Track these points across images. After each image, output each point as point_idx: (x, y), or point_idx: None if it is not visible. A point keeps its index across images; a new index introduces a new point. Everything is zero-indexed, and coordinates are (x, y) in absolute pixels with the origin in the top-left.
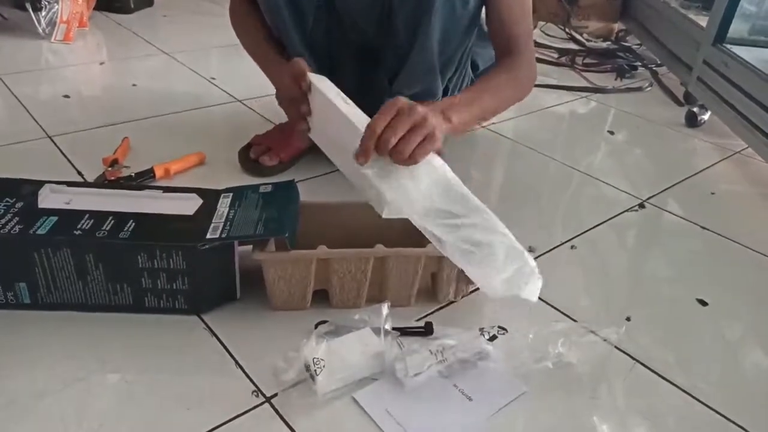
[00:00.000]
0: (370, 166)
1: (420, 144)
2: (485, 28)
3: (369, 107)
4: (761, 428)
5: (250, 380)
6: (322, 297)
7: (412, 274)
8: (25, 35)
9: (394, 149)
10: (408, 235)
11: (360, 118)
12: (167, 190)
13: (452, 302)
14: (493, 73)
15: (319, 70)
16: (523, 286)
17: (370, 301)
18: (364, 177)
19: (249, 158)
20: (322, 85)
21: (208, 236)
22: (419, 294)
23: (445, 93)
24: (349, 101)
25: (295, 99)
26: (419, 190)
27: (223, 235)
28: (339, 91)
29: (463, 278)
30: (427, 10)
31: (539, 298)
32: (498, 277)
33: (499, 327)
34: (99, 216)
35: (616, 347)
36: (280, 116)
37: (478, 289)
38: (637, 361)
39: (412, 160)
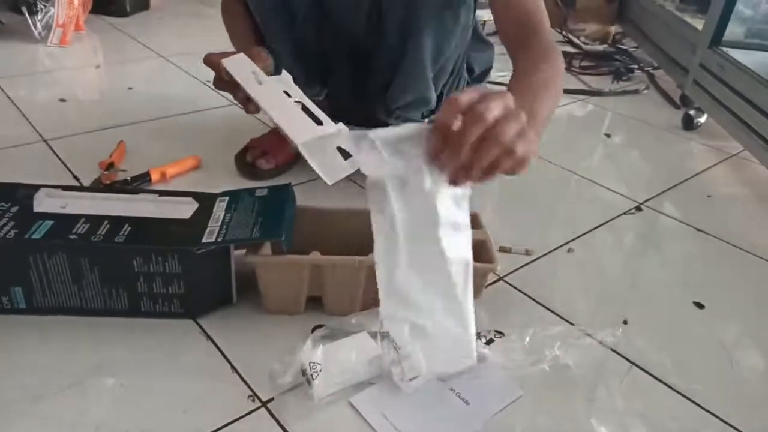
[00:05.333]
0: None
1: (501, 155)
2: (480, 32)
3: (365, 111)
4: (757, 431)
5: (246, 384)
6: (318, 301)
7: None
8: (21, 39)
9: (465, 164)
10: None
11: (273, 98)
12: (163, 193)
13: None
14: (532, 69)
15: (309, 73)
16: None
17: (364, 309)
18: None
19: (245, 162)
20: (236, 69)
21: (204, 240)
22: None
23: (439, 99)
24: (263, 78)
25: (227, 89)
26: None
27: (219, 239)
28: (255, 68)
29: None
30: (416, 21)
31: (537, 301)
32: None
33: (496, 331)
34: (94, 220)
35: (612, 350)
36: None
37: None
38: (634, 363)
39: (487, 174)
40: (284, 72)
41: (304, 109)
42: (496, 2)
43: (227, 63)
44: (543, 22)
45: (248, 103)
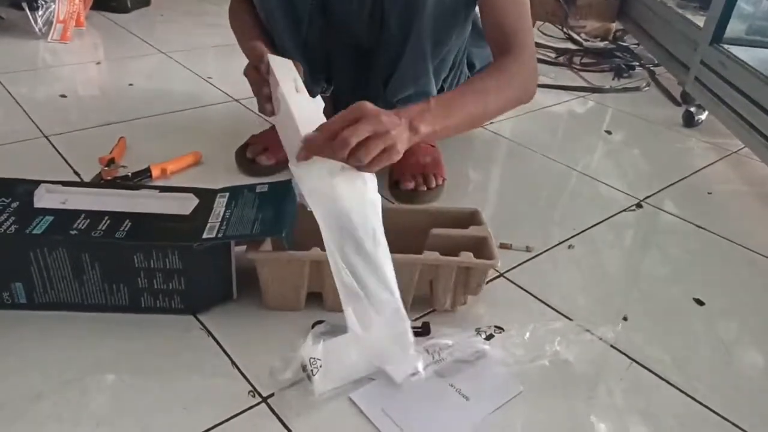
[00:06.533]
0: (305, 165)
1: (378, 154)
2: (481, 27)
3: None
4: (757, 427)
5: (247, 380)
6: (318, 297)
7: (407, 281)
8: (22, 35)
9: (351, 153)
10: (406, 240)
11: (305, 111)
12: (164, 189)
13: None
14: (484, 75)
15: (313, 72)
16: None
17: None
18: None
19: (246, 158)
20: (279, 68)
21: (204, 236)
22: (416, 301)
23: (440, 94)
24: (302, 88)
25: (255, 81)
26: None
27: (220, 235)
28: (297, 76)
29: (460, 288)
30: (418, 14)
31: (537, 298)
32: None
33: (496, 326)
34: (95, 216)
35: (612, 346)
36: None
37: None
38: (634, 360)
39: (368, 168)
40: (318, 97)
41: None
42: (484, 5)
43: (272, 59)
44: (524, 41)
45: (267, 103)
